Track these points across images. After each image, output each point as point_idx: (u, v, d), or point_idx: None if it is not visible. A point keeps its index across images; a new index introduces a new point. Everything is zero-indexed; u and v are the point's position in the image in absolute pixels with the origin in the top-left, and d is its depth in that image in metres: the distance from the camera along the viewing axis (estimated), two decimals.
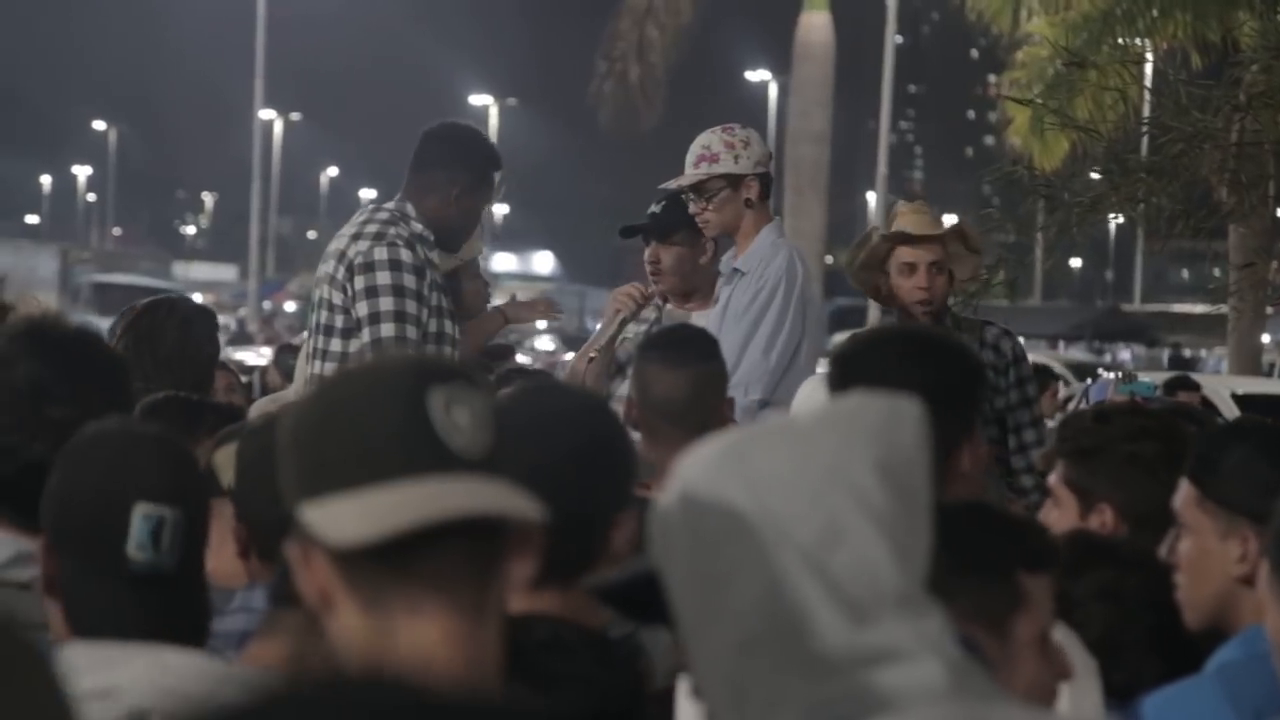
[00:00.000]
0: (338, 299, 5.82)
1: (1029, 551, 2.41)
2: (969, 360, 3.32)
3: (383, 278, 5.77)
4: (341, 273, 5.81)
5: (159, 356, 5.52)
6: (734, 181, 6.19)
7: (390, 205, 5.95)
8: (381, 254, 5.79)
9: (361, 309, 5.77)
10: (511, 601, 2.41)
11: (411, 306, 5.77)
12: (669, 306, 6.42)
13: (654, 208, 6.47)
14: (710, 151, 6.23)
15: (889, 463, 1.80)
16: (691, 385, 4.26)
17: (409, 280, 5.78)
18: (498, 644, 1.85)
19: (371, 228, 5.85)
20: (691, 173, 6.22)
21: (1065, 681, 2.42)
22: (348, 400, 1.85)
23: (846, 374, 3.17)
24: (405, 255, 5.79)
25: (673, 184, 6.31)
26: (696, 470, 1.83)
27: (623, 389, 5.77)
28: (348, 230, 5.93)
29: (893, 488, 1.80)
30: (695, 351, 4.39)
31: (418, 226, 5.87)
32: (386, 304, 5.76)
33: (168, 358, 5.53)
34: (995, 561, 2.36)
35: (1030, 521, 2.79)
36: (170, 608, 2.65)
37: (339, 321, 5.83)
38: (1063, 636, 2.51)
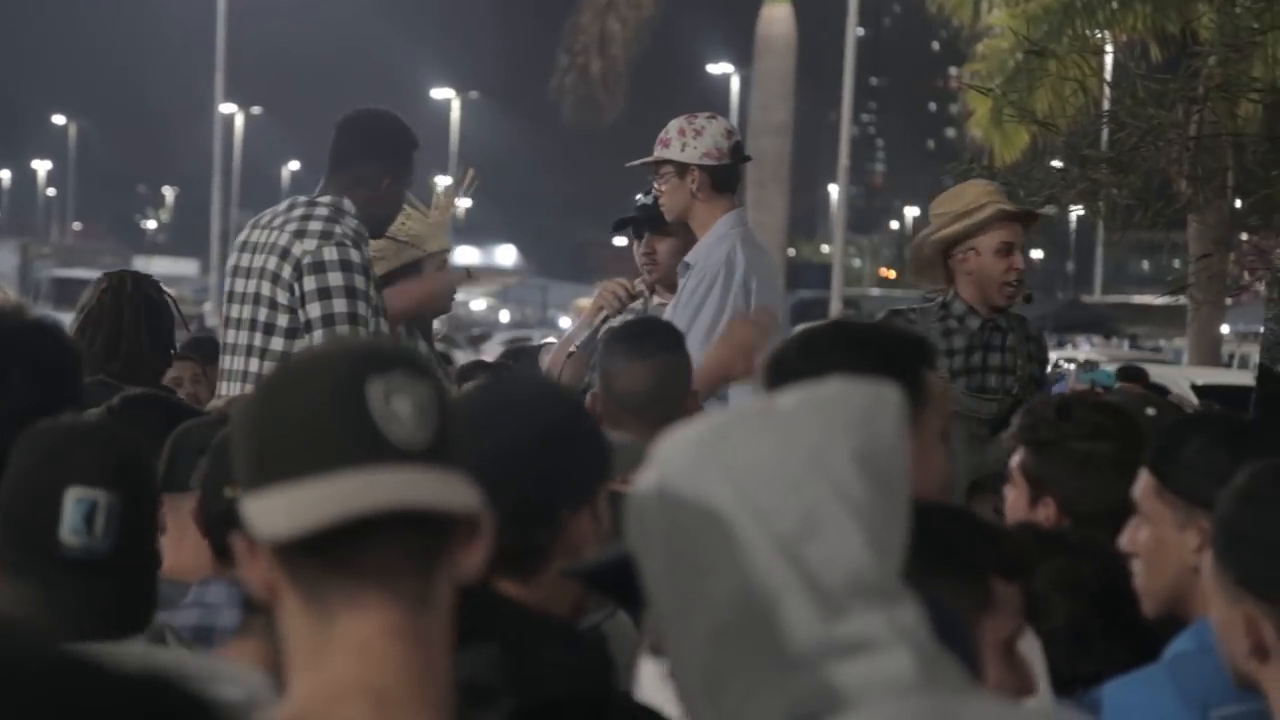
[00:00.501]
0: (282, 298, 5.64)
1: (1004, 557, 2.46)
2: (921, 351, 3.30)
3: (334, 279, 5.63)
4: (288, 271, 5.63)
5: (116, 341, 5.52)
6: (680, 169, 6.20)
7: (326, 200, 5.77)
8: (332, 254, 5.63)
9: (314, 310, 5.60)
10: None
11: (363, 309, 5.64)
12: (656, 300, 6.38)
13: (642, 198, 6.45)
14: (667, 135, 6.24)
15: (868, 451, 1.81)
16: (654, 377, 4.26)
17: (359, 282, 5.65)
18: (444, 636, 1.83)
19: (315, 225, 5.68)
20: (654, 155, 6.25)
21: (1031, 695, 2.46)
22: (286, 389, 1.83)
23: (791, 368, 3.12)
24: (354, 255, 5.65)
25: (632, 163, 6.36)
26: (675, 456, 1.84)
27: None
28: (285, 225, 5.72)
29: (871, 477, 1.81)
30: (657, 343, 4.38)
31: (353, 223, 5.73)
32: (340, 306, 5.61)
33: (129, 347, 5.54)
34: (970, 563, 2.41)
35: (1006, 529, 2.86)
36: (107, 593, 2.66)
37: (282, 320, 5.65)
38: (1029, 648, 2.54)
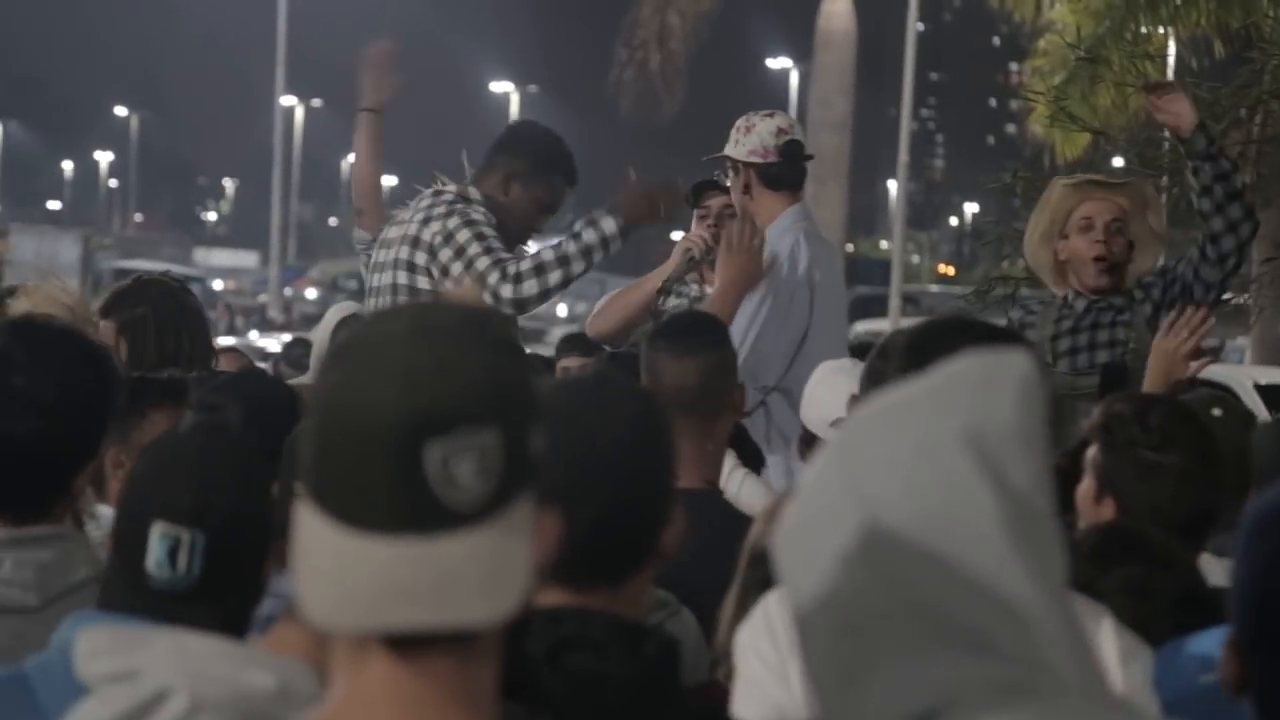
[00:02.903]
0: (422, 282, 5.84)
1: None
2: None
3: (462, 235, 5.81)
4: (421, 257, 5.84)
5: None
6: (735, 166, 6.24)
7: (451, 189, 5.98)
8: (454, 222, 5.84)
9: (455, 269, 5.78)
10: (554, 600, 2.39)
11: (495, 242, 5.80)
12: (709, 289, 6.38)
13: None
14: (733, 132, 6.30)
15: (979, 432, 1.70)
16: (700, 373, 4.25)
17: (487, 229, 5.82)
18: (493, 645, 1.81)
19: (440, 209, 5.89)
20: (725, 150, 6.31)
21: None
22: (345, 423, 1.74)
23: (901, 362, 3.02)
24: (476, 214, 5.86)
25: (707, 157, 6.44)
26: (810, 487, 1.77)
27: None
28: (413, 216, 5.95)
29: (983, 457, 1.70)
30: (703, 339, 4.36)
31: (480, 208, 5.90)
32: (474, 249, 5.77)
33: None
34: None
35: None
36: (194, 623, 2.65)
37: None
38: (1141, 659, 2.54)
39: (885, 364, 2.96)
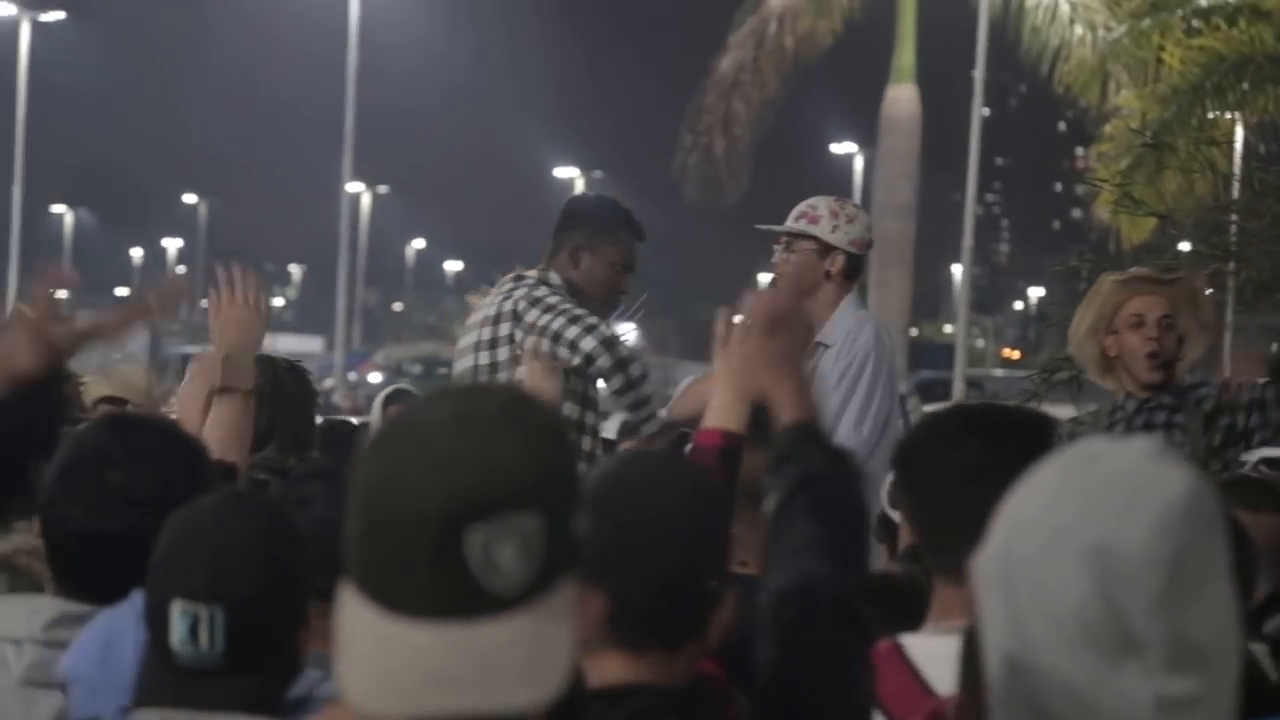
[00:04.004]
0: (502, 354, 5.90)
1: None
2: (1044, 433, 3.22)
3: (552, 299, 5.87)
4: (505, 328, 5.90)
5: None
6: (823, 249, 6.22)
7: (532, 274, 6.04)
8: (541, 291, 5.90)
9: (555, 323, 5.82)
10: (611, 666, 2.39)
11: (580, 310, 5.87)
12: None
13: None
14: (815, 212, 6.31)
15: (1109, 552, 1.80)
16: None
17: (568, 299, 5.89)
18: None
19: (522, 289, 5.96)
20: (790, 224, 6.28)
21: None
22: (386, 513, 1.73)
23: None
24: (560, 293, 5.93)
25: (767, 227, 6.40)
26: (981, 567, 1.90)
27: None
28: (493, 297, 6.01)
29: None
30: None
31: (561, 292, 5.95)
32: (568, 306, 5.85)
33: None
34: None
35: None
36: (222, 700, 2.65)
37: (501, 378, 5.86)
38: None
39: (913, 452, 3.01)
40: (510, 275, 6.09)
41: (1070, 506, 1.81)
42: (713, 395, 3.31)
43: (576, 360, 5.77)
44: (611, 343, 5.83)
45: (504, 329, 5.92)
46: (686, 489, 2.56)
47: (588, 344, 5.78)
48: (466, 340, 6.04)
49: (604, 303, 6.09)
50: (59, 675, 2.98)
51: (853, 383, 6.05)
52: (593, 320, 5.83)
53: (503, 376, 5.85)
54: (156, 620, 2.68)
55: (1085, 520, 1.79)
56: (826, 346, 6.12)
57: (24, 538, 3.43)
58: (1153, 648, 1.77)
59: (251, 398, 4.35)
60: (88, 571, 3.18)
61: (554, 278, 6.00)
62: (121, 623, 2.93)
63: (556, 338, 5.79)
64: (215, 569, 2.67)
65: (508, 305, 5.92)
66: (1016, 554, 1.82)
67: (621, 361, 5.82)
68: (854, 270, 6.31)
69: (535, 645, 1.72)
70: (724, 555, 2.55)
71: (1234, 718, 1.83)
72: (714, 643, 2.49)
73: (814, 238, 6.25)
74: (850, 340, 6.12)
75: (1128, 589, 1.77)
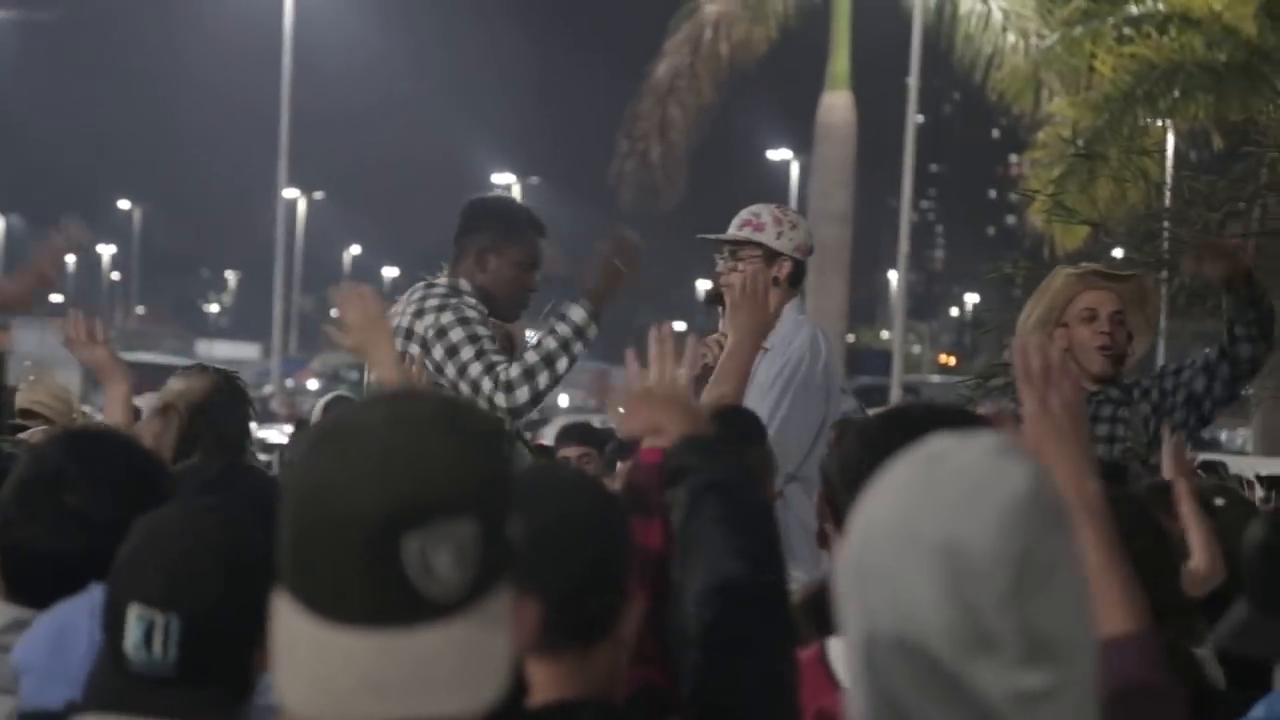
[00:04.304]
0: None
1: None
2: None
3: (456, 334, 5.89)
4: (415, 349, 5.90)
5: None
6: (769, 255, 6.26)
7: (442, 281, 6.07)
8: (448, 318, 5.91)
9: (450, 371, 5.87)
10: (530, 670, 2.41)
11: (488, 344, 5.89)
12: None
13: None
14: (758, 220, 6.33)
15: (959, 551, 1.82)
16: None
17: (480, 329, 5.90)
18: None
19: (432, 302, 5.98)
20: (733, 231, 6.29)
21: None
22: (320, 519, 1.72)
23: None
24: (470, 312, 5.94)
25: (711, 236, 6.40)
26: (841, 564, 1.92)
27: None
28: (407, 309, 6.01)
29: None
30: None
31: (472, 300, 5.99)
32: (467, 353, 5.86)
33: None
34: None
35: None
36: (171, 706, 2.64)
37: None
38: None
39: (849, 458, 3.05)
40: (421, 284, 6.11)
41: (917, 506, 1.82)
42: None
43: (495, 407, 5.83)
44: (510, 385, 5.85)
45: (414, 348, 5.93)
46: (587, 493, 2.60)
47: (499, 399, 5.83)
48: None
49: (513, 302, 6.14)
50: (12, 666, 2.97)
51: (786, 384, 6.09)
52: (476, 374, 5.84)
53: None
54: (113, 623, 2.67)
55: (932, 520, 1.80)
56: (767, 349, 6.15)
57: None
58: (1006, 643, 1.78)
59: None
60: (43, 588, 3.16)
61: (464, 284, 6.03)
62: (75, 614, 2.93)
63: (456, 385, 5.84)
64: (174, 577, 2.66)
65: (419, 326, 5.93)
66: (869, 556, 1.84)
67: (512, 410, 5.86)
68: (798, 277, 6.35)
69: (471, 652, 1.72)
70: (628, 555, 2.57)
71: (1094, 706, 1.84)
72: (630, 638, 2.51)
73: (760, 245, 6.28)
74: (786, 344, 6.16)
75: (978, 586, 1.78)
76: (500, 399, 5.84)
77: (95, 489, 3.22)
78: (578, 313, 5.94)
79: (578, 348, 5.94)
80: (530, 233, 6.13)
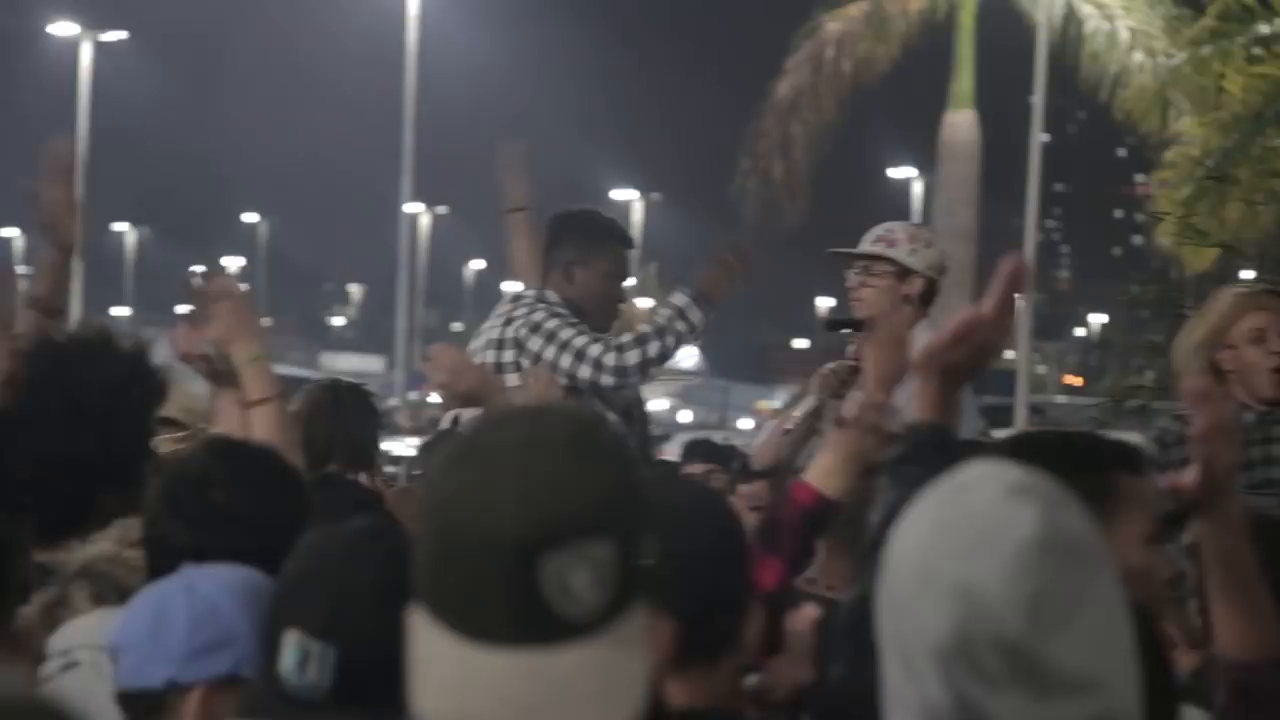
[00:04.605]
0: (510, 380, 5.89)
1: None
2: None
3: (552, 324, 5.97)
4: (509, 355, 5.96)
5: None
6: (901, 272, 6.19)
7: (530, 292, 6.12)
8: (539, 315, 5.99)
9: (550, 353, 5.94)
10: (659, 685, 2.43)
11: (585, 328, 5.96)
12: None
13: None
14: (892, 235, 6.27)
15: (971, 591, 1.87)
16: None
17: (573, 319, 5.99)
18: None
19: (521, 310, 6.04)
20: (866, 246, 6.24)
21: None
22: (460, 541, 1.73)
23: None
24: (559, 310, 6.02)
25: (843, 250, 6.33)
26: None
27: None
28: (495, 321, 6.08)
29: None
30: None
31: (562, 310, 6.03)
32: (567, 333, 5.94)
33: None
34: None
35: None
36: None
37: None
38: None
39: None
40: (510, 296, 6.17)
41: (935, 545, 1.86)
42: (822, 453, 3.35)
43: (581, 380, 5.90)
44: (621, 346, 5.93)
45: (508, 355, 5.98)
46: (713, 512, 2.63)
47: (583, 373, 5.90)
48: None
49: (603, 314, 6.16)
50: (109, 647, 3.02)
51: None
52: (581, 343, 5.93)
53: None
54: (267, 643, 2.67)
55: (948, 560, 1.84)
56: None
57: (101, 546, 3.50)
58: (1021, 681, 1.80)
59: (285, 401, 4.36)
60: None
61: (551, 295, 6.07)
62: (172, 594, 2.97)
63: (554, 368, 5.89)
64: (335, 607, 2.64)
65: (509, 331, 6.00)
66: (895, 587, 1.87)
67: (621, 369, 5.94)
68: (929, 296, 6.29)
69: (609, 672, 1.72)
70: (748, 571, 2.60)
71: None
72: (749, 653, 2.54)
73: (892, 260, 6.22)
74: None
75: (991, 627, 1.81)
76: (610, 358, 5.91)
77: (239, 489, 3.29)
78: (680, 297, 6.04)
79: (681, 326, 6.00)
80: (614, 244, 6.16)
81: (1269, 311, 5.76)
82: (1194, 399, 2.71)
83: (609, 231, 6.20)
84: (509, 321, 6.03)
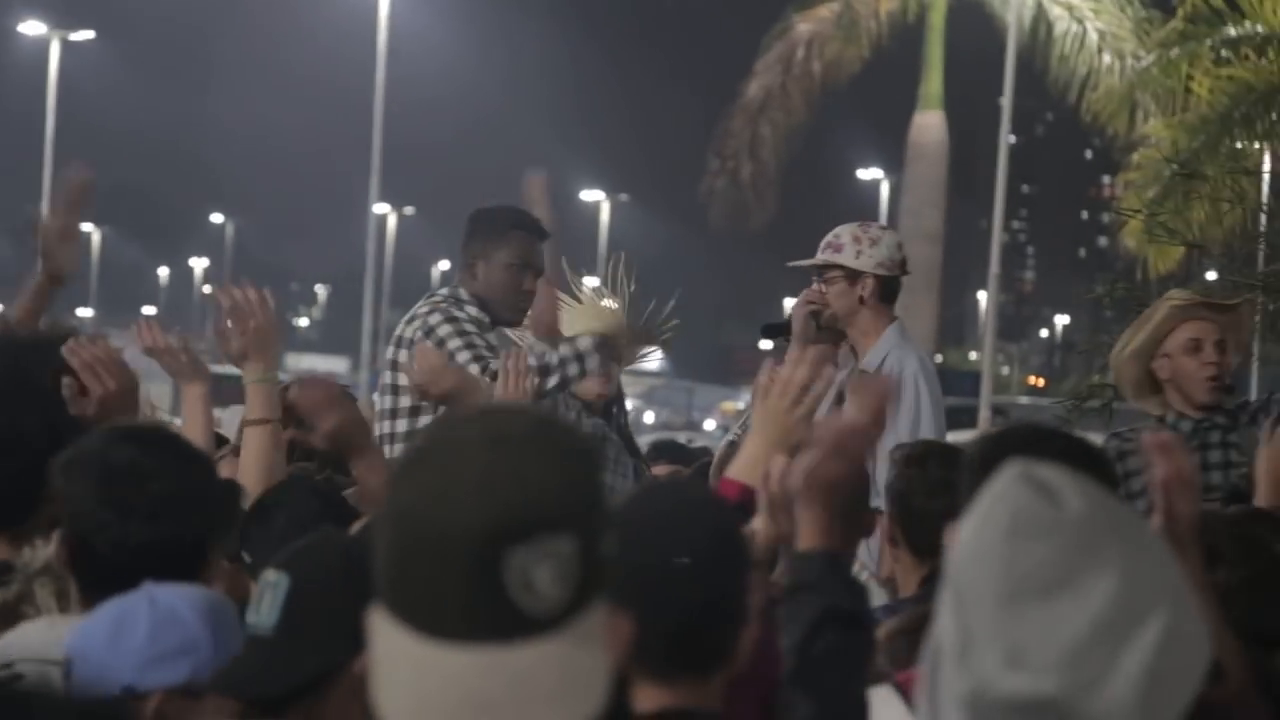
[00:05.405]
0: (400, 380, 5.91)
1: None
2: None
3: (443, 330, 5.89)
4: (404, 355, 5.92)
5: None
6: (851, 275, 6.21)
7: (443, 292, 6.10)
8: (436, 318, 5.93)
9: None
10: (644, 697, 2.40)
11: (478, 340, 5.86)
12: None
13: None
14: (838, 240, 6.31)
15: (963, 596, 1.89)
16: None
17: (469, 326, 5.89)
18: None
19: (424, 308, 6.01)
20: (817, 257, 6.29)
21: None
22: (422, 538, 1.73)
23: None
24: (460, 313, 5.94)
25: (796, 263, 6.39)
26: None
27: None
28: (405, 319, 6.08)
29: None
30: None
31: (472, 310, 5.99)
32: (454, 344, 5.84)
33: None
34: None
35: None
36: (265, 666, 2.72)
37: (402, 402, 5.93)
38: None
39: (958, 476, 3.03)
40: (426, 295, 6.16)
41: (969, 535, 1.88)
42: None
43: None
44: (497, 376, 5.79)
45: (404, 355, 5.95)
46: (711, 519, 2.58)
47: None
48: (388, 356, 6.13)
49: (509, 306, 6.10)
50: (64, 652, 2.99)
51: (913, 411, 6.02)
52: (464, 359, 5.77)
53: (398, 404, 5.93)
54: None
55: (961, 551, 1.87)
56: (868, 374, 6.09)
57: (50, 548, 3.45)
58: (991, 652, 1.81)
59: (279, 425, 4.34)
60: (111, 581, 3.16)
61: (463, 293, 6.05)
62: (135, 606, 2.96)
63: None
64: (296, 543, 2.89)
65: (408, 331, 5.98)
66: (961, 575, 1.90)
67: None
68: (887, 292, 6.31)
69: (571, 668, 1.73)
70: (747, 580, 2.55)
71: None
72: (743, 663, 2.50)
73: (840, 266, 6.23)
74: (895, 368, 6.05)
75: (971, 614, 1.83)
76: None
77: (167, 478, 3.25)
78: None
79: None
80: (517, 233, 6.10)
81: (1204, 321, 5.85)
82: (1155, 449, 2.68)
83: (512, 222, 6.13)
84: (411, 319, 6.02)
